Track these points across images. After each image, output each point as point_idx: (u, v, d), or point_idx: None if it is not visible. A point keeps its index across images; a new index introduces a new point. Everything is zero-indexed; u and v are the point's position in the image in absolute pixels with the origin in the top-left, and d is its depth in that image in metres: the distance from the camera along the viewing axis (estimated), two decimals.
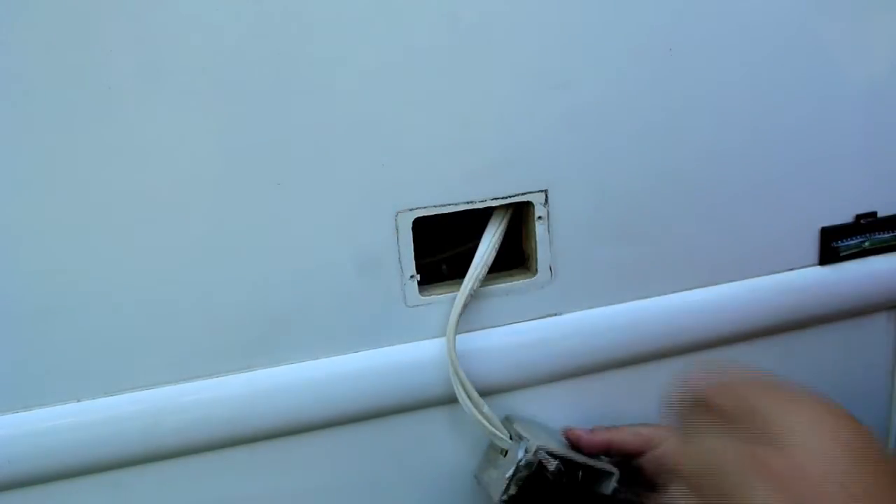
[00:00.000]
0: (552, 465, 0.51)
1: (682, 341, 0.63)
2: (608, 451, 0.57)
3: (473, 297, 0.56)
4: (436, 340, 0.55)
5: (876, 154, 0.64)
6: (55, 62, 0.45)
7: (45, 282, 0.48)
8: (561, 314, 0.59)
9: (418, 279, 0.55)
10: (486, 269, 0.55)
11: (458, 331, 0.56)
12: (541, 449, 0.52)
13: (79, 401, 0.51)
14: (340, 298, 0.54)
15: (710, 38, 0.57)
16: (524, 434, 0.54)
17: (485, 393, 0.56)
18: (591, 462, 0.54)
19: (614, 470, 0.54)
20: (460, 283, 0.57)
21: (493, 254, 0.56)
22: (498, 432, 0.54)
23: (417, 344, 0.56)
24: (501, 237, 0.56)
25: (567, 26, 0.53)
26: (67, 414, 0.50)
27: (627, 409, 0.63)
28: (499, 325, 0.58)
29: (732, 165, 0.60)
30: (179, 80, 0.47)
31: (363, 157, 0.52)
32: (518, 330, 0.58)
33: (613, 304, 0.60)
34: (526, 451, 0.52)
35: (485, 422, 0.54)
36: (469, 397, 0.54)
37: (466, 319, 0.57)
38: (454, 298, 0.56)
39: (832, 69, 0.61)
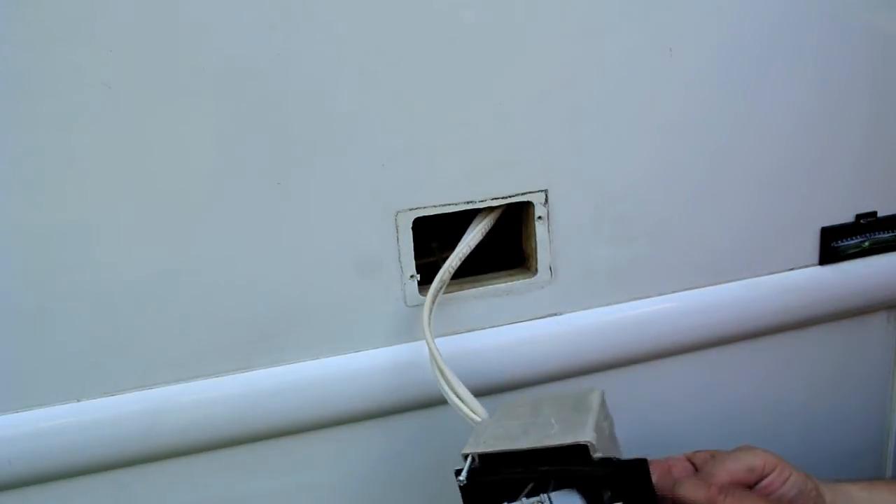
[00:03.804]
0: (460, 479, 0.45)
1: (682, 341, 0.63)
2: None
3: (475, 297, 0.57)
4: (436, 340, 0.55)
5: (876, 154, 0.64)
6: (55, 61, 0.45)
7: (45, 282, 0.48)
8: (561, 314, 0.59)
9: (418, 279, 0.55)
10: (468, 250, 0.55)
11: (452, 331, 0.56)
12: (473, 454, 0.46)
13: (79, 401, 0.51)
14: (340, 298, 0.54)
15: (710, 38, 0.57)
16: (485, 432, 0.48)
17: (484, 392, 0.56)
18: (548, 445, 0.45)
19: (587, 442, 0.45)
20: (461, 283, 0.57)
21: (475, 241, 0.55)
22: (472, 414, 0.51)
23: (417, 343, 0.56)
24: (486, 229, 0.56)
25: (567, 26, 0.53)
26: (67, 414, 0.50)
27: (627, 409, 0.63)
28: (499, 325, 0.58)
29: (732, 165, 0.60)
30: (179, 80, 0.47)
31: (363, 157, 0.52)
32: (518, 330, 0.58)
33: (613, 304, 0.60)
34: (472, 461, 0.46)
35: (458, 401, 0.51)
36: (442, 374, 0.51)
37: (467, 319, 0.57)
38: (454, 298, 0.56)
39: (833, 69, 0.61)
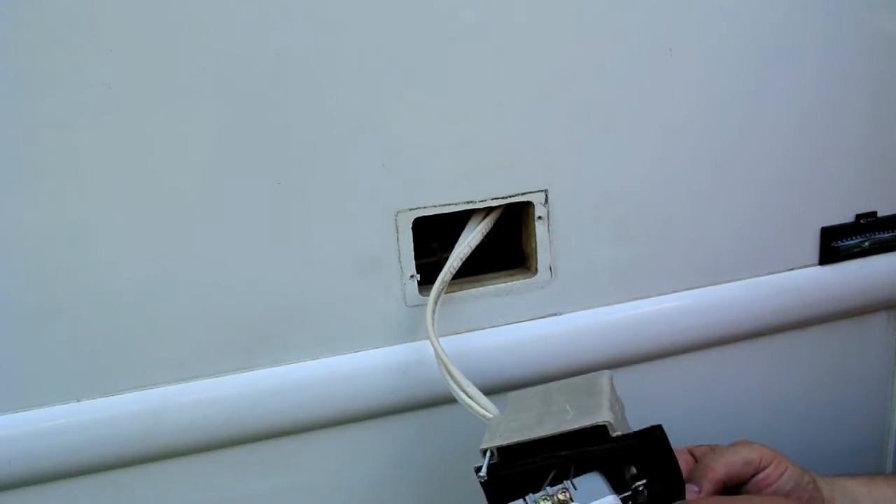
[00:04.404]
0: (480, 475, 0.45)
1: (682, 341, 0.63)
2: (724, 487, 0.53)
3: (475, 297, 0.57)
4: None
5: (876, 154, 0.64)
6: (55, 60, 0.45)
7: (45, 282, 0.48)
8: (561, 314, 0.59)
9: (418, 279, 0.55)
10: (469, 250, 0.55)
11: (452, 331, 0.55)
12: (491, 448, 0.46)
13: (79, 401, 0.51)
14: (340, 298, 0.54)
15: (710, 38, 0.57)
16: (499, 428, 0.47)
17: (485, 392, 0.56)
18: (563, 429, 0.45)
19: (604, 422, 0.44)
20: (461, 283, 0.57)
21: (475, 241, 0.55)
22: (483, 411, 0.51)
23: (417, 343, 0.56)
24: (486, 229, 0.56)
25: (567, 26, 0.53)
26: (67, 414, 0.50)
27: (628, 408, 0.63)
28: (499, 325, 0.58)
29: (732, 165, 0.60)
30: (179, 80, 0.47)
31: (363, 157, 0.52)
32: (518, 330, 0.58)
33: (613, 304, 0.60)
34: (491, 455, 0.46)
35: (468, 399, 0.51)
36: (450, 373, 0.51)
37: (467, 319, 0.57)
38: (454, 298, 0.56)
39: (832, 69, 0.61)
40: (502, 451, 0.46)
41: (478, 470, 0.45)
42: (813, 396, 0.70)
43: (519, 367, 0.58)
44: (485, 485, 0.45)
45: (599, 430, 0.43)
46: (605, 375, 0.50)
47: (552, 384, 0.52)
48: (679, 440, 0.65)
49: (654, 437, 0.43)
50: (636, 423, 0.63)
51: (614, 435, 0.43)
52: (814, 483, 0.54)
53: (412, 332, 0.56)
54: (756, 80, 0.59)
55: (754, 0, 0.57)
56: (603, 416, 0.43)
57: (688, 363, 0.64)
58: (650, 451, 0.43)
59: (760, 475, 0.52)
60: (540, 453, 0.45)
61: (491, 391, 0.57)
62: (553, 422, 0.45)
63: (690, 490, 0.52)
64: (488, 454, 0.46)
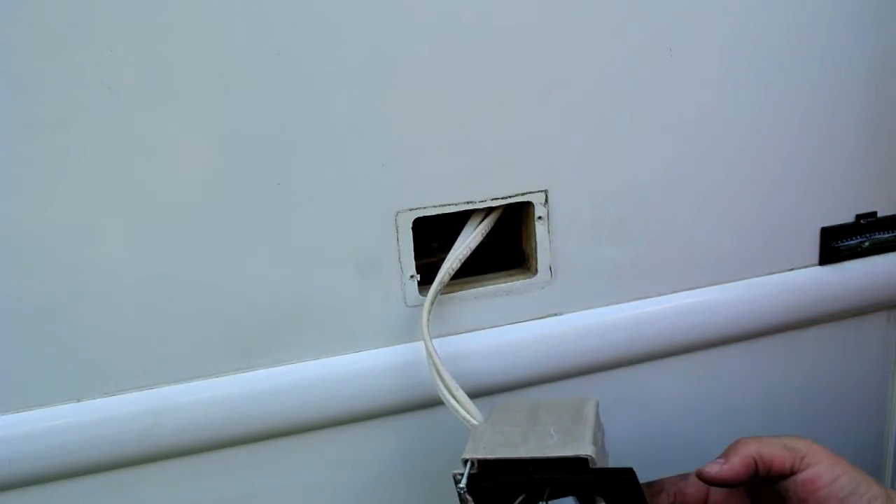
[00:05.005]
0: (460, 486, 0.46)
1: (682, 341, 0.63)
2: (756, 471, 0.48)
3: (475, 297, 0.57)
4: (436, 340, 0.55)
5: (876, 154, 0.64)
6: (56, 61, 0.45)
7: (46, 282, 0.48)
8: (561, 314, 0.59)
9: (418, 279, 0.55)
10: (468, 251, 0.55)
11: (452, 331, 0.55)
12: (472, 459, 0.47)
13: (79, 401, 0.51)
14: (340, 298, 0.54)
15: (710, 38, 0.57)
16: (482, 437, 0.48)
17: (484, 392, 0.56)
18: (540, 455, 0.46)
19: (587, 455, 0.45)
20: (461, 283, 0.57)
21: (475, 242, 0.55)
22: (469, 417, 0.50)
23: (417, 343, 0.56)
24: (486, 229, 0.56)
25: (567, 26, 0.53)
26: (67, 414, 0.50)
27: (628, 409, 0.63)
28: (499, 325, 0.58)
29: (732, 165, 0.60)
30: (179, 80, 0.47)
31: (363, 158, 0.52)
32: (518, 330, 0.58)
33: (613, 304, 0.60)
34: (471, 465, 0.47)
35: (455, 404, 0.51)
36: (440, 376, 0.51)
37: (467, 319, 0.57)
38: (454, 298, 0.56)
39: (832, 68, 0.61)
40: (483, 463, 0.47)
41: (456, 479, 0.46)
42: (813, 396, 0.70)
43: (519, 367, 0.58)
44: (462, 495, 0.46)
45: (580, 461, 0.45)
46: (591, 401, 0.51)
47: (539, 400, 0.52)
48: (679, 440, 0.65)
49: (623, 479, 0.45)
50: (637, 424, 0.64)
51: (593, 468, 0.45)
52: (885, 499, 0.47)
53: (412, 332, 0.56)
54: (756, 80, 0.59)
55: (755, 2, 0.57)
56: (586, 449, 0.45)
57: (688, 363, 0.64)
58: (620, 491, 0.45)
59: (809, 472, 0.47)
60: (518, 471, 0.46)
61: (490, 392, 0.57)
62: (536, 443, 0.47)
63: (717, 462, 0.49)
64: (469, 465, 0.47)
